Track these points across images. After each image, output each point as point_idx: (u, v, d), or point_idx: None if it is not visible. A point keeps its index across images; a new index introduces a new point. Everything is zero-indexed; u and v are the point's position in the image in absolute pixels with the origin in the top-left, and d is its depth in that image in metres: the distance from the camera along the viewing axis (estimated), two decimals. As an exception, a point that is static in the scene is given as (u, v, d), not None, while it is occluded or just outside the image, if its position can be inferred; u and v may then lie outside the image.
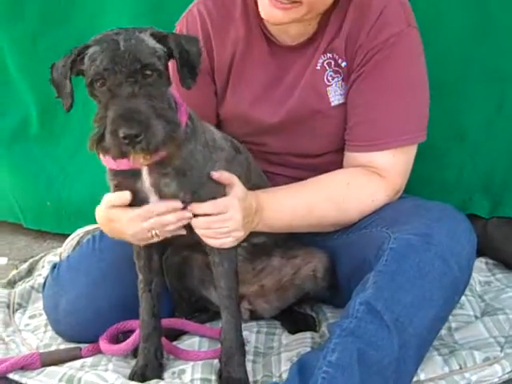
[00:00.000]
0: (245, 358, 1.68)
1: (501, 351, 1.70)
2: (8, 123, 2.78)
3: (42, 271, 2.43)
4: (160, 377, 1.71)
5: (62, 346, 1.89)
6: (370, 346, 1.47)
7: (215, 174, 1.59)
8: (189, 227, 1.63)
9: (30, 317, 2.11)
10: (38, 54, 2.59)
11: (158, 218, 1.58)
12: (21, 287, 2.26)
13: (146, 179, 1.57)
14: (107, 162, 1.53)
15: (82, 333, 1.86)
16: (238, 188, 1.61)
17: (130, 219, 1.59)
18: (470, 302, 1.96)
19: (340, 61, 1.79)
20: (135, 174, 1.56)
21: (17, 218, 2.89)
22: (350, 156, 1.82)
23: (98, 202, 1.67)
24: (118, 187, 1.59)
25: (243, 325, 1.89)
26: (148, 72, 1.44)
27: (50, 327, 1.99)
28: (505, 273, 2.15)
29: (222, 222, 1.58)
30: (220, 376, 1.66)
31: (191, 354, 1.79)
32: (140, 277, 1.73)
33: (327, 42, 1.79)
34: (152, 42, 1.48)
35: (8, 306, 2.16)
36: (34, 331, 2.01)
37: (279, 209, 1.72)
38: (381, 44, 1.74)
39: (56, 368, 1.78)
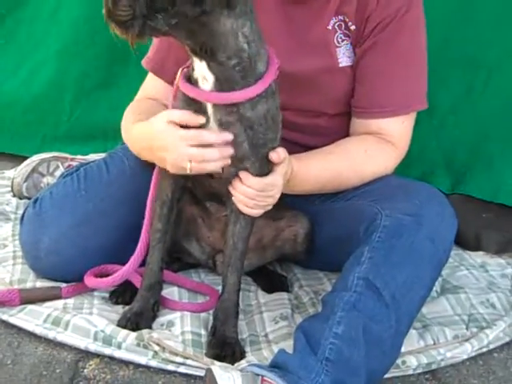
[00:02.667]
0: (238, 321, 1.71)
1: (466, 329, 1.82)
2: None
3: (-8, 194, 2.34)
4: (150, 327, 1.72)
5: (38, 283, 1.84)
6: (372, 320, 1.53)
7: (274, 156, 1.59)
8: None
9: (-5, 247, 2.03)
10: None
11: (203, 150, 1.56)
12: (-22, 212, 2.17)
13: (212, 122, 1.55)
14: (184, 85, 1.56)
15: (63, 272, 1.83)
16: (285, 164, 1.63)
17: (180, 137, 1.56)
18: (431, 276, 2.07)
19: (350, 24, 1.81)
20: (201, 111, 1.56)
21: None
22: (359, 122, 1.86)
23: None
24: None
25: (218, 278, 1.93)
26: None
27: (18, 260, 1.94)
28: (457, 250, 2.27)
29: (265, 198, 1.61)
30: (213, 333, 1.68)
31: (178, 305, 1.80)
32: (158, 226, 1.72)
33: (337, 5, 1.81)
34: None
35: (-33, 232, 2.06)
36: (1, 263, 1.94)
37: (306, 177, 1.75)
38: (393, 13, 1.78)
39: (37, 307, 1.74)
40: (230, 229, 1.70)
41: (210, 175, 1.66)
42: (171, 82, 1.83)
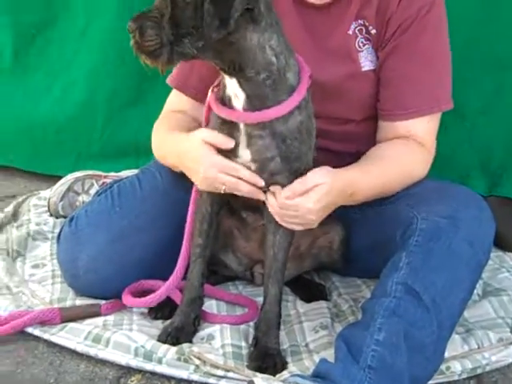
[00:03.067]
0: (279, 332, 1.71)
1: (510, 332, 1.79)
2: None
3: (30, 216, 2.38)
4: (191, 342, 1.71)
5: (78, 301, 1.86)
6: (414, 325, 1.51)
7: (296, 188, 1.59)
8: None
9: (33, 266, 2.06)
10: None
11: (235, 180, 1.59)
12: (17, 233, 2.19)
13: (243, 136, 1.57)
14: (215, 106, 1.59)
15: (102, 290, 1.84)
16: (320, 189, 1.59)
17: (212, 163, 1.59)
18: (472, 279, 2.04)
19: (370, 28, 1.81)
20: (235, 127, 1.57)
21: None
22: (386, 126, 1.84)
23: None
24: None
25: (257, 289, 1.93)
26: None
27: (57, 279, 1.96)
28: (497, 252, 2.24)
29: (291, 217, 1.61)
30: (255, 345, 1.68)
31: (218, 318, 1.80)
32: (199, 241, 1.73)
33: (357, 9, 1.80)
34: None
35: (8, 254, 2.09)
36: (41, 282, 1.97)
37: (363, 190, 1.72)
38: (415, 14, 1.76)
39: (77, 325, 1.75)
40: (269, 239, 1.69)
41: None
42: (195, 97, 1.86)
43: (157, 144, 1.86)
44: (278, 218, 1.63)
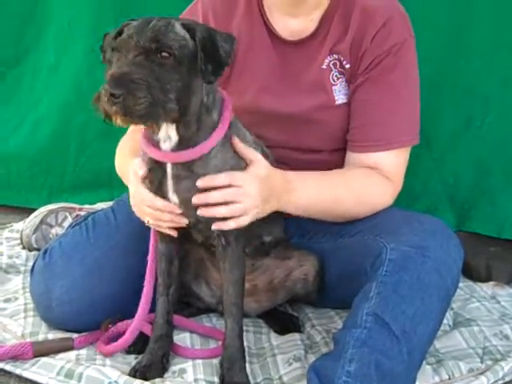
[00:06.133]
0: (245, 363, 1.70)
1: (481, 362, 1.81)
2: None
3: (3, 248, 2.36)
4: (161, 376, 1.71)
5: (50, 335, 1.85)
6: (384, 355, 1.53)
7: (240, 146, 1.60)
8: (206, 226, 1.64)
9: (5, 300, 2.04)
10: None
11: (155, 212, 1.63)
12: (-14, 266, 2.18)
13: (169, 178, 1.59)
14: (144, 145, 1.59)
15: (75, 322, 1.84)
16: (258, 166, 1.63)
17: (135, 193, 1.66)
18: (442, 310, 2.07)
19: (344, 62, 1.86)
20: (162, 170, 1.60)
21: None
22: (354, 157, 1.87)
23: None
24: (148, 176, 1.63)
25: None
26: (164, 54, 1.46)
27: (30, 312, 1.95)
28: (466, 282, 2.28)
29: (237, 195, 1.58)
30: (222, 381, 1.67)
31: (189, 352, 1.80)
32: (159, 280, 1.74)
33: (333, 43, 1.85)
34: (182, 31, 1.50)
35: (-22, 287, 2.08)
36: (13, 316, 1.95)
37: (305, 193, 1.75)
38: (387, 50, 1.82)
39: (50, 359, 1.74)
40: (222, 275, 1.70)
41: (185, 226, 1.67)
42: None
43: (117, 164, 1.92)
44: (217, 222, 1.61)
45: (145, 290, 1.74)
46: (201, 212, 1.59)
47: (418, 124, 1.90)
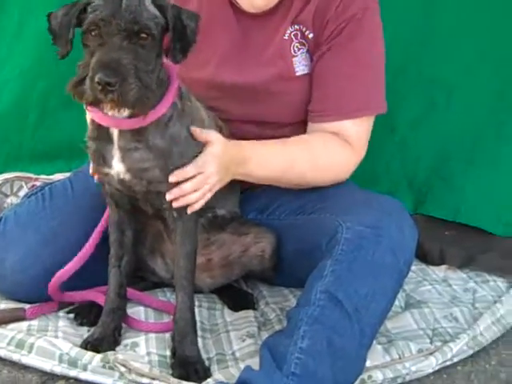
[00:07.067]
0: (197, 337, 1.71)
1: (431, 343, 1.84)
2: None
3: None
4: (113, 349, 1.71)
5: (2, 305, 1.83)
6: (336, 332, 1.55)
7: (198, 132, 1.62)
8: (160, 200, 1.64)
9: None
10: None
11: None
12: None
13: (116, 147, 1.59)
14: (92, 112, 1.55)
15: (28, 292, 1.83)
16: (214, 144, 1.65)
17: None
18: (395, 292, 2.10)
19: (307, 32, 1.85)
20: (108, 140, 1.59)
21: None
22: (316, 127, 1.87)
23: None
24: (91, 149, 1.63)
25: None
26: (143, 35, 1.47)
27: (-18, 283, 1.91)
28: (419, 265, 2.30)
29: (204, 179, 1.63)
30: (174, 354, 1.68)
31: (142, 325, 1.80)
32: (111, 251, 1.73)
33: (295, 14, 1.85)
34: (153, 9, 1.50)
35: None
36: (-36, 285, 1.92)
37: (264, 162, 1.77)
38: (349, 18, 1.82)
39: (1, 329, 1.74)
40: (174, 248, 1.71)
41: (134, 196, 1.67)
42: None
43: None
44: (188, 207, 1.64)
45: (81, 252, 1.76)
46: (175, 204, 1.62)
47: (382, 93, 1.89)
